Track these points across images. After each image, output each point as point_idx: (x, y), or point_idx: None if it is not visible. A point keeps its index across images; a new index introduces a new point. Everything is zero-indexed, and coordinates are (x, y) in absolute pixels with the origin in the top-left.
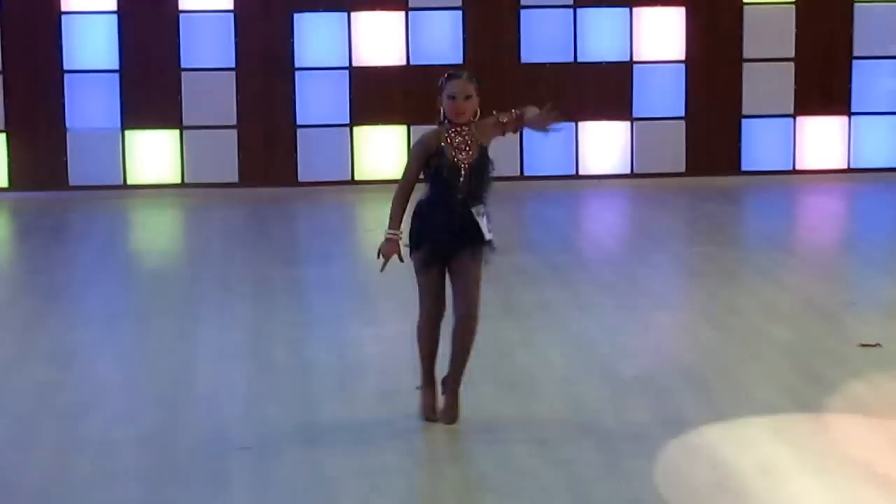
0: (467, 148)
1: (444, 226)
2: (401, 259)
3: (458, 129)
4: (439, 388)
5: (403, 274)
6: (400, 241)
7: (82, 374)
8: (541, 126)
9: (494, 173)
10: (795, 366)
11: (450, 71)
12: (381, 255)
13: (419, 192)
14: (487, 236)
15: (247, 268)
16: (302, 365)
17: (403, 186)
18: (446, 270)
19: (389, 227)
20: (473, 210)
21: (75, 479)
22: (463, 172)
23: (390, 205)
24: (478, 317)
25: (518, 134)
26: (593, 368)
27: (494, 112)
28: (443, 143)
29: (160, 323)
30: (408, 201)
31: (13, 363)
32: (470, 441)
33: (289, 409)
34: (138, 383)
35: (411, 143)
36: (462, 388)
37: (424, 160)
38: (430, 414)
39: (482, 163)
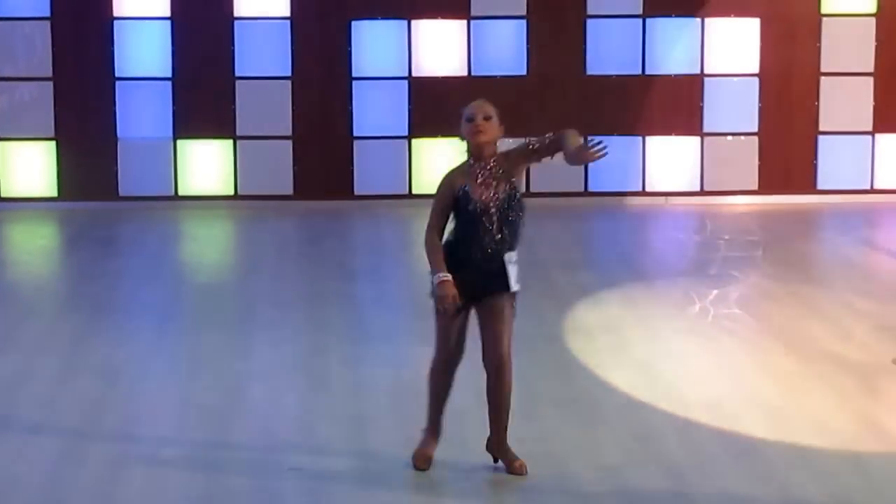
0: (494, 183)
1: (476, 268)
2: (460, 300)
3: (485, 162)
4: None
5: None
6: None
7: (131, 390)
8: (579, 160)
9: (523, 214)
10: (871, 393)
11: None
12: (440, 302)
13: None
14: (514, 287)
15: (300, 283)
16: (356, 384)
17: (432, 231)
18: (469, 316)
19: (438, 272)
20: (505, 257)
21: (123, 497)
22: (493, 211)
23: (426, 251)
24: (509, 367)
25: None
26: (659, 393)
27: (526, 139)
28: (467, 183)
29: (211, 338)
30: (441, 242)
31: (61, 378)
32: (529, 466)
33: (342, 430)
34: (188, 400)
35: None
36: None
37: (451, 201)
38: (421, 463)
39: (511, 202)
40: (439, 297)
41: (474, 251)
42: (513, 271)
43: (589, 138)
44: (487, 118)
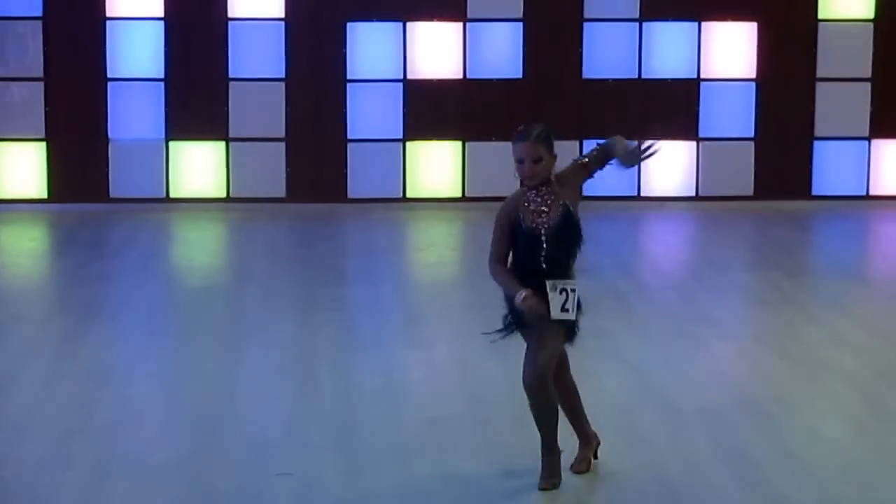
0: (547, 210)
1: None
2: (546, 312)
3: (539, 190)
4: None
5: (451, 297)
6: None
7: (119, 393)
8: (634, 160)
9: (580, 237)
10: (865, 400)
11: (521, 126)
12: (530, 311)
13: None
14: (555, 315)
15: (292, 286)
16: (345, 389)
17: (495, 262)
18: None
19: (518, 291)
20: (547, 284)
21: (109, 501)
22: (543, 238)
23: (498, 283)
24: (534, 391)
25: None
26: (651, 399)
27: (575, 158)
28: (520, 210)
29: (201, 342)
30: (508, 268)
31: (49, 380)
32: (521, 474)
33: (331, 435)
34: (177, 404)
35: (466, 163)
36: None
37: (509, 228)
38: (580, 465)
39: (565, 226)
40: (529, 309)
41: (530, 278)
42: (556, 299)
43: (641, 142)
44: (537, 161)
